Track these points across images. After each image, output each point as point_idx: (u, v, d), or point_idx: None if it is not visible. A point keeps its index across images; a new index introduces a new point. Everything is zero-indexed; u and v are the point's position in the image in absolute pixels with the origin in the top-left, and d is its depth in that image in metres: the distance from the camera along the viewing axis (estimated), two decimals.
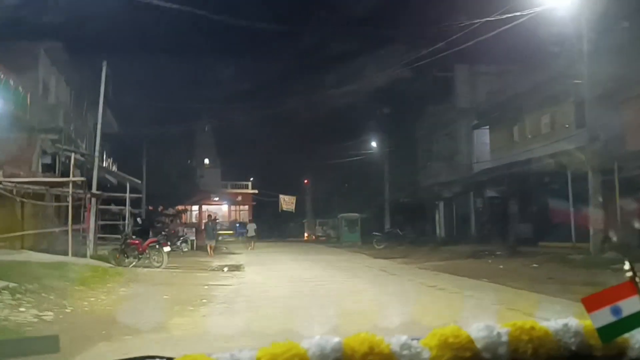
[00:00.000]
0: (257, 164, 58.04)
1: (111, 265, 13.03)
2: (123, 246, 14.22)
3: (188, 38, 59.16)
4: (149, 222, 32.75)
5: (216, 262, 17.06)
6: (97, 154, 19.03)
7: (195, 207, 55.93)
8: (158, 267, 13.68)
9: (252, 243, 26.66)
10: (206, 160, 58.45)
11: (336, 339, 1.16)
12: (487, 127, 25.49)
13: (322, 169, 54.86)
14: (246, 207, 57.54)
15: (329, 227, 37.27)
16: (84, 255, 14.99)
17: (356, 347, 1.17)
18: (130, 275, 11.08)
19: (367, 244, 28.56)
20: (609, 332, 1.25)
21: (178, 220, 37.86)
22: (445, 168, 28.48)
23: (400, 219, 31.80)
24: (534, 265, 13.80)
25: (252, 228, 27.47)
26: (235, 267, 15.11)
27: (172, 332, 5.64)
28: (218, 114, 79.73)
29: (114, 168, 31.11)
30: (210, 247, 20.07)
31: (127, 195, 20.37)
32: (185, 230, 28.50)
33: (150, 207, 39.04)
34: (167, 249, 13.87)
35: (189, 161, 55.61)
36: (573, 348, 1.32)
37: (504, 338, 1.28)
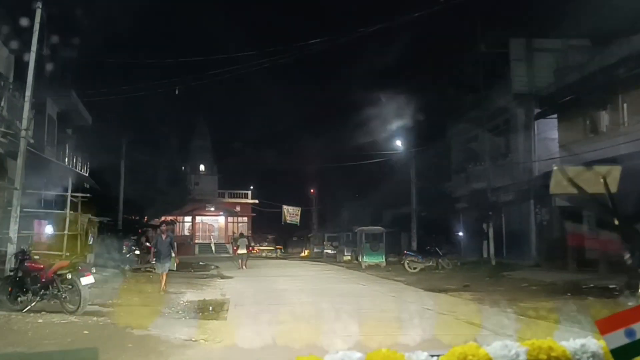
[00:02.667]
0: (258, 171, 52.29)
1: None
2: (18, 274, 8.26)
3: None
4: (123, 235, 26.93)
5: (187, 297, 11.10)
6: (24, 133, 13.27)
7: (189, 218, 49.98)
8: (72, 311, 7.73)
9: (244, 261, 21.63)
10: (202, 166, 52.55)
11: (358, 354, 1.28)
12: (555, 115, 19.59)
13: (331, 177, 49.09)
14: (245, 218, 51.58)
15: (342, 242, 31.11)
16: None
17: None
18: None
19: (393, 265, 22.59)
20: (622, 354, 1.28)
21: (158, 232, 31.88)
22: (493, 171, 22.56)
23: (430, 235, 25.82)
24: None
25: (243, 244, 22.05)
26: (211, 312, 9.08)
27: None
28: (216, 114, 74.04)
29: (86, 170, 25.50)
30: (163, 278, 12.25)
31: (69, 194, 14.46)
32: None
33: (134, 217, 33.15)
34: (87, 280, 7.91)
35: (182, 167, 49.65)
36: None
37: (522, 357, 1.33)
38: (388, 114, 28.49)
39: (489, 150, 22.93)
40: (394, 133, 28.84)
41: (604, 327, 1.27)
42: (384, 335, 6.76)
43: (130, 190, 30.05)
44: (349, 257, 29.62)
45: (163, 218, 38.23)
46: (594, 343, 1.38)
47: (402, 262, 20.15)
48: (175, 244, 13.52)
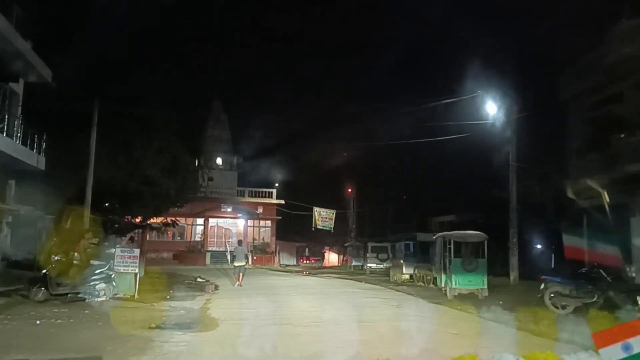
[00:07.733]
0: (284, 166, 43.60)
1: None
2: None
3: None
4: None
5: None
6: None
7: (200, 221, 41.53)
8: None
9: (240, 276, 17.18)
10: (218, 160, 43.95)
11: None
12: None
13: (374, 172, 40.26)
14: (268, 222, 42.92)
15: (401, 255, 21.94)
16: None
17: None
18: None
19: (499, 291, 13.50)
20: None
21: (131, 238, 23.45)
22: None
23: (548, 246, 16.62)
24: None
25: (241, 254, 17.02)
26: None
27: None
28: (236, 99, 65.52)
29: (39, 143, 17.38)
30: None
31: None
32: (123, 254, 13.68)
33: (110, 215, 24.45)
34: None
35: (196, 160, 40.79)
36: None
37: None
38: (464, 65, 19.40)
39: None
40: (469, 95, 19.40)
41: (600, 341, 1.33)
42: None
43: (109, 180, 21.20)
44: (407, 277, 20.81)
45: (158, 219, 29.68)
46: (595, 358, 1.13)
47: (540, 294, 10.93)
48: None
